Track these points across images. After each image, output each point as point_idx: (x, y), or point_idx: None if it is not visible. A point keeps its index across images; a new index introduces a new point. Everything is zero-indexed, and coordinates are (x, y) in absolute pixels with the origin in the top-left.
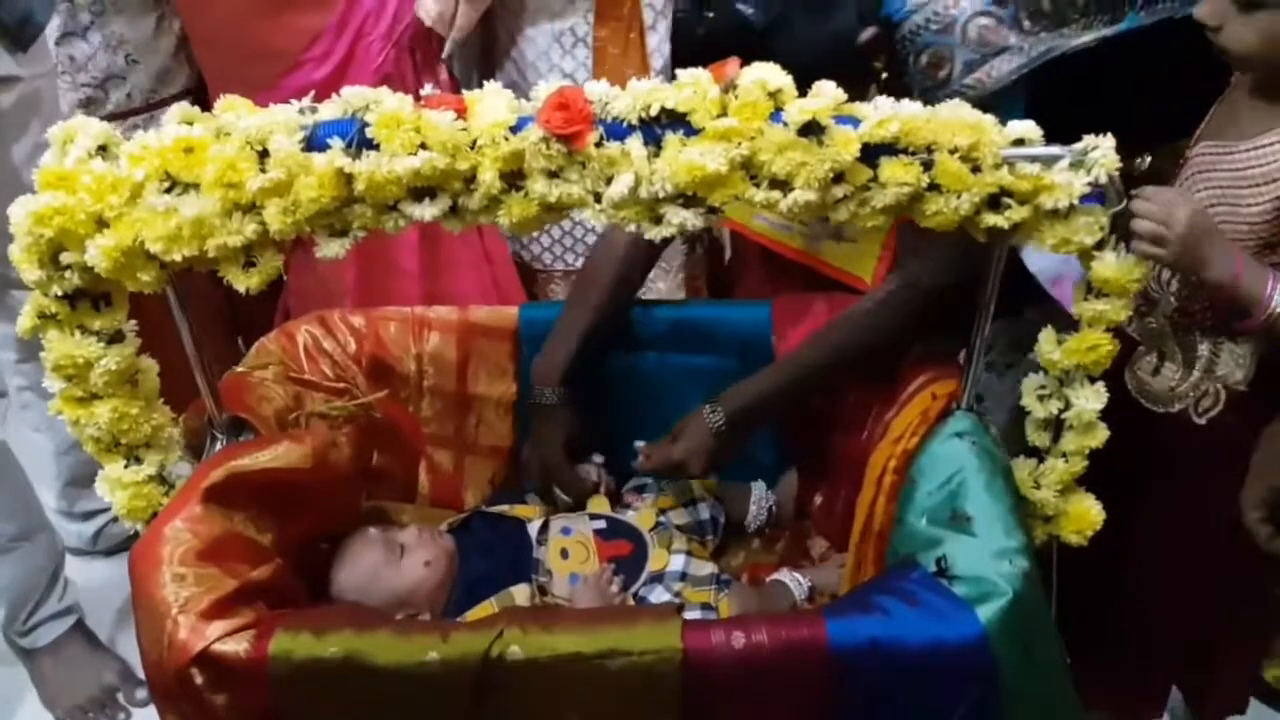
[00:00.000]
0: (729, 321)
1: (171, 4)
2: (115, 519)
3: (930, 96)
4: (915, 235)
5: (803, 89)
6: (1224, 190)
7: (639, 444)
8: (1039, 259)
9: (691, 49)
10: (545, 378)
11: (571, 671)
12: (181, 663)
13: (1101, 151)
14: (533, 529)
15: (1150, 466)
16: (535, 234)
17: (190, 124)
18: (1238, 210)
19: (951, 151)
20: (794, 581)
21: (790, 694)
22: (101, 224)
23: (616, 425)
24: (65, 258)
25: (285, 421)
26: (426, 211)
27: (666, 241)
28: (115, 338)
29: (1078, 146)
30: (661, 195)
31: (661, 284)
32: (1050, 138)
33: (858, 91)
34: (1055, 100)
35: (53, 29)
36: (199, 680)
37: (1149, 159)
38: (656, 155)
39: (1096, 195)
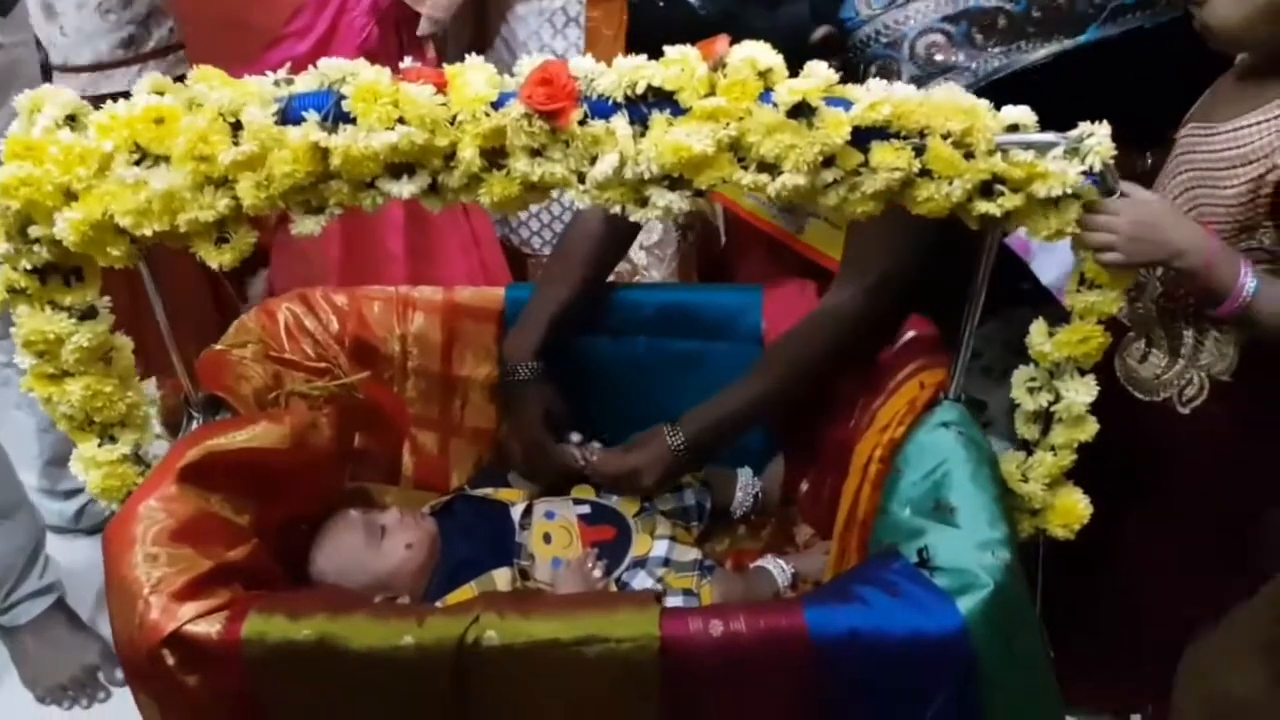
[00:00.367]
0: (719, 306)
1: None
2: None
3: None
4: (858, 244)
5: None
6: (1204, 172)
7: (595, 444)
8: (1051, 271)
9: (645, 38)
10: (517, 354)
11: (548, 658)
12: (153, 643)
13: (1097, 139)
14: (516, 513)
15: (1137, 459)
16: (525, 218)
17: (161, 94)
18: (1216, 192)
19: (944, 136)
20: (778, 568)
21: (769, 683)
22: (70, 196)
23: (606, 410)
24: (34, 231)
25: (264, 401)
26: (405, 189)
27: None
28: (88, 314)
29: (1073, 134)
30: (647, 176)
31: (655, 272)
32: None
33: None
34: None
35: None
36: (170, 661)
37: (1150, 159)
38: (642, 135)
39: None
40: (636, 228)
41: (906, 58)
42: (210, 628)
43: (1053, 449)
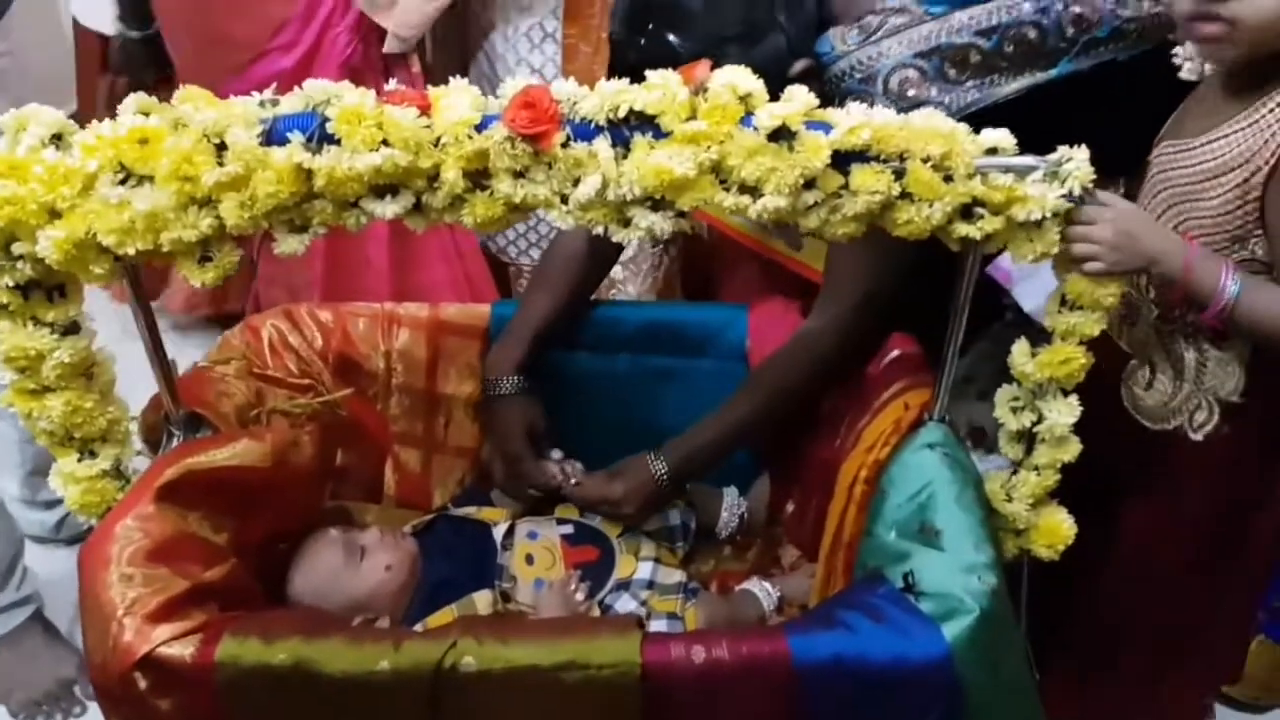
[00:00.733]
0: (702, 323)
1: None
2: None
3: None
4: (838, 266)
5: None
6: (1185, 188)
7: (577, 465)
8: (1033, 299)
9: (625, 75)
10: (498, 368)
11: (527, 684)
12: (125, 666)
13: (1076, 163)
14: (498, 533)
15: (1142, 479)
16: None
17: (147, 114)
18: (1200, 205)
19: (924, 160)
20: (763, 591)
21: (751, 710)
22: (54, 214)
23: (589, 426)
24: (17, 248)
25: (246, 418)
26: (388, 209)
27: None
28: (70, 330)
29: (1052, 157)
30: (629, 198)
31: (631, 287)
32: None
33: None
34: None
35: None
36: (143, 684)
37: (1122, 188)
38: (624, 157)
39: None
40: (620, 245)
41: (880, 93)
42: (184, 650)
43: (1036, 469)
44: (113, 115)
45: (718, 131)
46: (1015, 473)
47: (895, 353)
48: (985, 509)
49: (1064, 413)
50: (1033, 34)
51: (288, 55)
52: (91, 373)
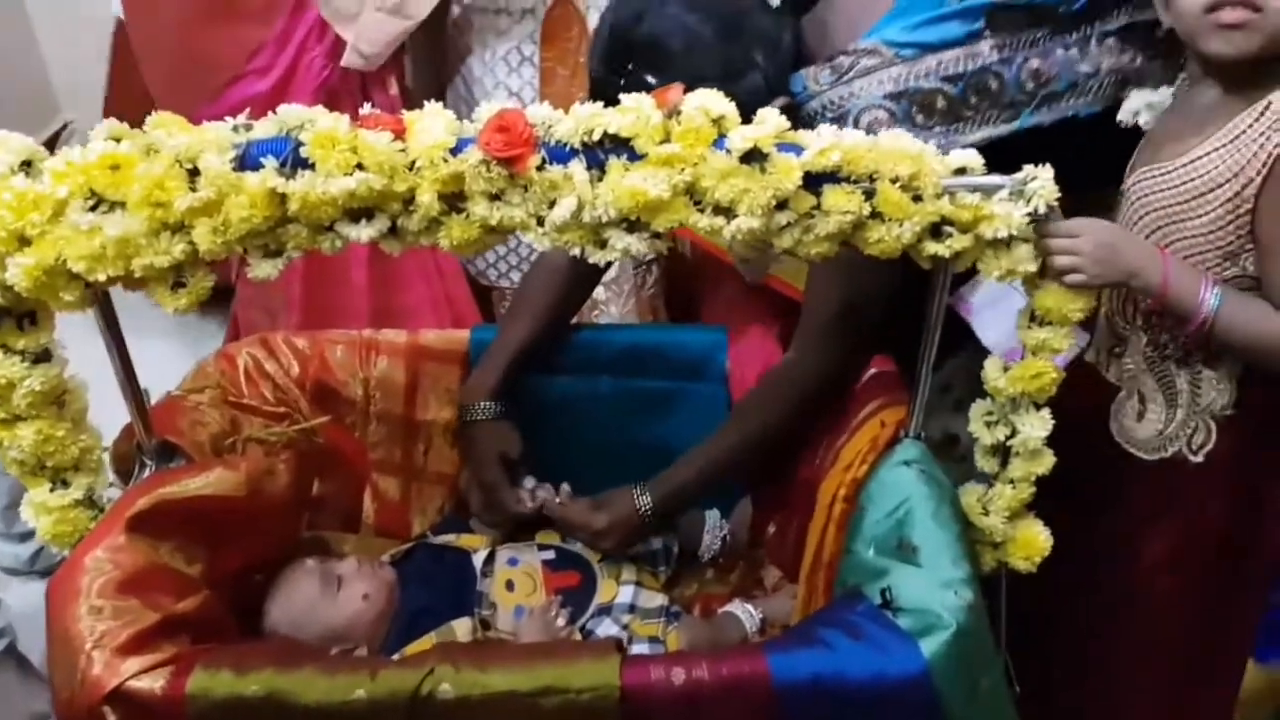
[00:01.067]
0: (683, 346)
1: None
2: None
3: None
4: (816, 302)
5: None
6: (1169, 209)
7: (565, 487)
8: (992, 332)
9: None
10: (474, 393)
11: (505, 710)
12: (94, 700)
13: (1040, 182)
14: (478, 560)
15: (1138, 506)
16: None
17: (118, 140)
18: (1189, 225)
19: (893, 180)
20: (745, 613)
21: None
22: (23, 241)
23: (570, 450)
24: None
25: (221, 447)
26: (363, 233)
27: (609, 262)
28: (41, 357)
29: (1018, 176)
30: (605, 219)
31: (614, 308)
32: None
33: None
34: None
35: None
36: (112, 719)
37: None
38: (600, 179)
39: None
40: (600, 269)
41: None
42: (154, 683)
43: (1011, 482)
44: None
45: (691, 154)
46: (991, 486)
47: (872, 371)
48: (962, 524)
49: (1037, 426)
50: (994, 84)
51: (264, 79)
52: (63, 401)
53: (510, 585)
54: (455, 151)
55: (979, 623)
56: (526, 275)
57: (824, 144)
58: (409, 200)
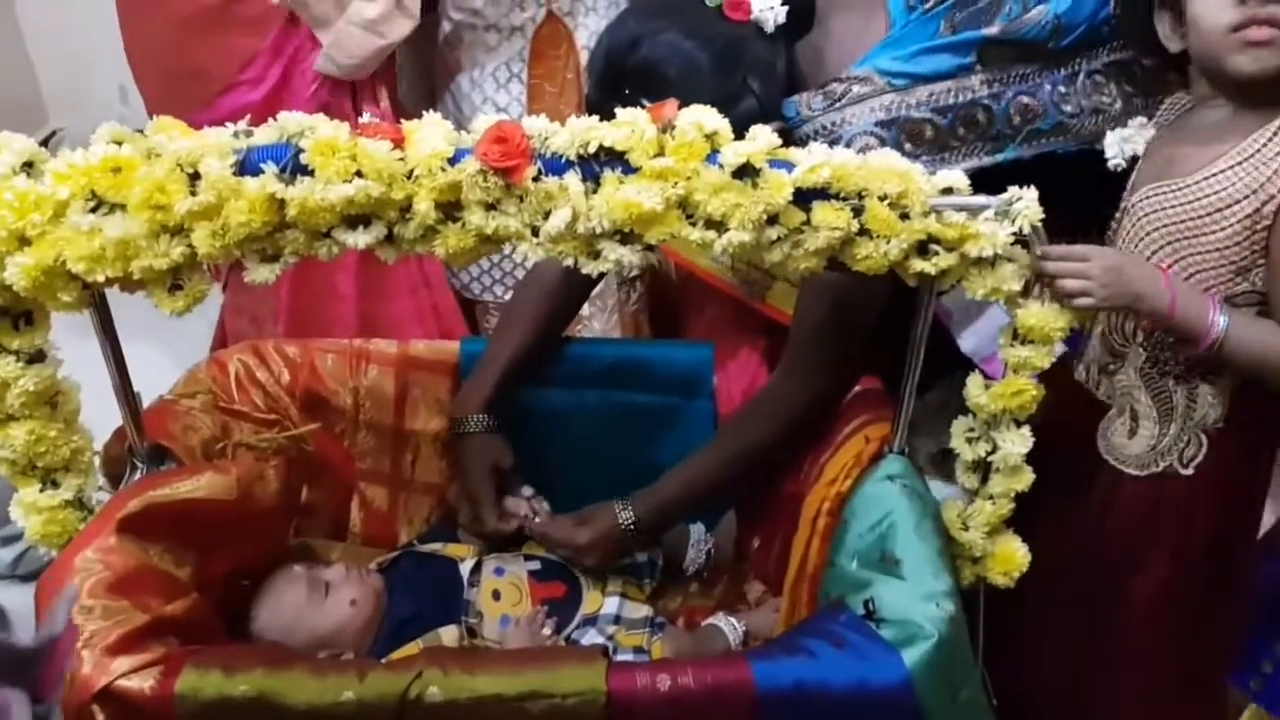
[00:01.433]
0: (671, 361)
1: None
2: None
3: None
4: (805, 329)
5: None
6: (1180, 225)
7: (544, 505)
8: (970, 339)
9: None
10: (466, 406)
11: (492, 714)
12: (83, 699)
13: (1025, 203)
14: (465, 569)
15: (1126, 515)
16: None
17: (120, 144)
18: (1202, 240)
19: (881, 198)
20: (729, 626)
21: None
22: (23, 241)
23: (559, 464)
24: None
25: (211, 452)
26: (360, 239)
27: (600, 275)
28: (35, 357)
29: (1003, 197)
30: (598, 231)
31: (597, 323)
32: None
33: None
34: None
35: None
36: (101, 718)
37: None
38: (594, 191)
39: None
40: (592, 282)
41: None
42: (143, 683)
43: (992, 498)
44: None
45: (684, 168)
46: (971, 502)
47: (857, 389)
48: (943, 538)
49: (1017, 443)
50: (982, 116)
51: (256, 89)
52: (56, 401)
53: (496, 595)
54: (453, 161)
55: (960, 634)
56: (517, 289)
57: (814, 161)
58: (406, 208)
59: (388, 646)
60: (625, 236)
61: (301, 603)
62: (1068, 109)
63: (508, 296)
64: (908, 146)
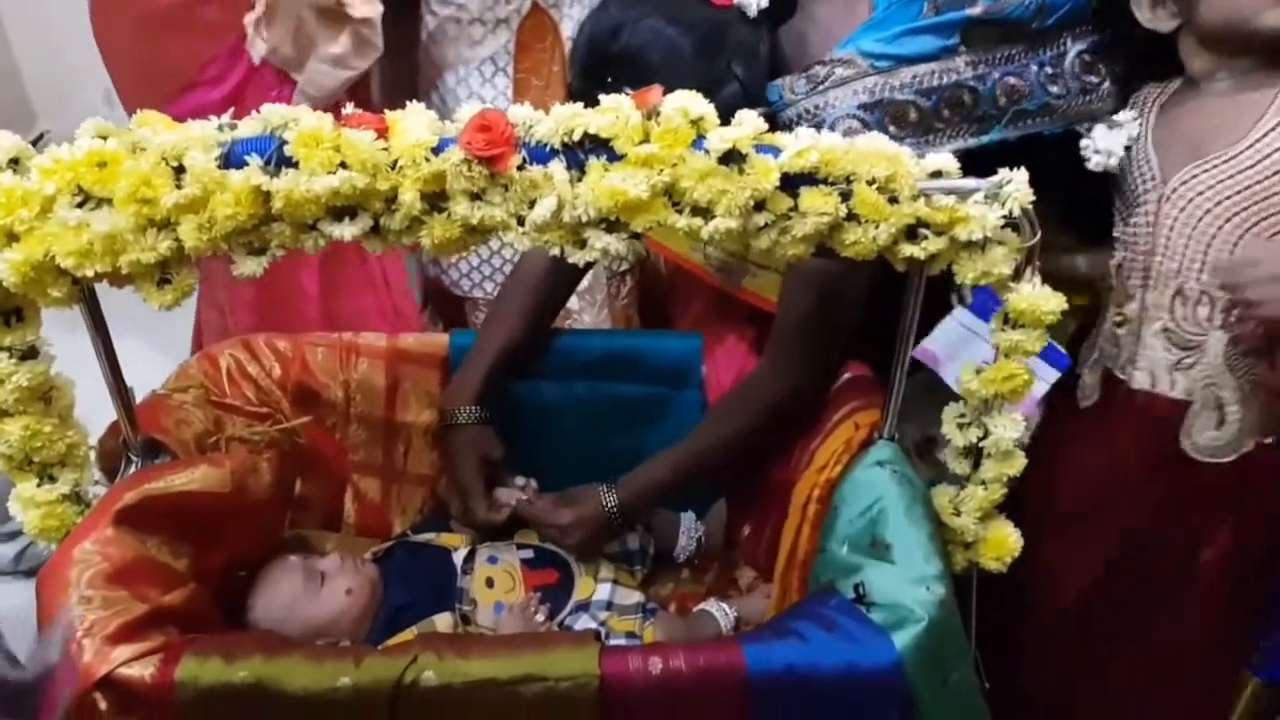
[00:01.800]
0: (660, 351)
1: None
2: None
3: None
4: (787, 319)
5: None
6: (1241, 195)
7: (531, 482)
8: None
9: None
10: (455, 398)
11: (486, 698)
12: (85, 687)
13: (1015, 185)
14: (458, 557)
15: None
16: (455, 259)
17: (105, 138)
18: (1272, 202)
19: (870, 182)
20: (720, 612)
21: (708, 719)
22: (11, 237)
23: (549, 455)
24: None
25: (205, 445)
26: (346, 231)
27: (587, 266)
28: (28, 354)
29: (993, 179)
30: (584, 219)
31: (587, 317)
32: None
33: None
34: None
35: None
36: (103, 706)
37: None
38: (579, 179)
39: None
40: (579, 274)
41: None
42: (144, 671)
43: (983, 484)
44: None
45: (670, 154)
46: (963, 488)
47: (846, 375)
48: (934, 523)
49: (1009, 428)
50: (967, 97)
51: (216, 88)
52: (49, 397)
53: (490, 582)
54: (437, 151)
55: (950, 617)
56: (504, 282)
57: (801, 145)
58: (391, 199)
59: (383, 635)
60: (611, 225)
61: (298, 592)
62: (1054, 90)
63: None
64: (891, 129)
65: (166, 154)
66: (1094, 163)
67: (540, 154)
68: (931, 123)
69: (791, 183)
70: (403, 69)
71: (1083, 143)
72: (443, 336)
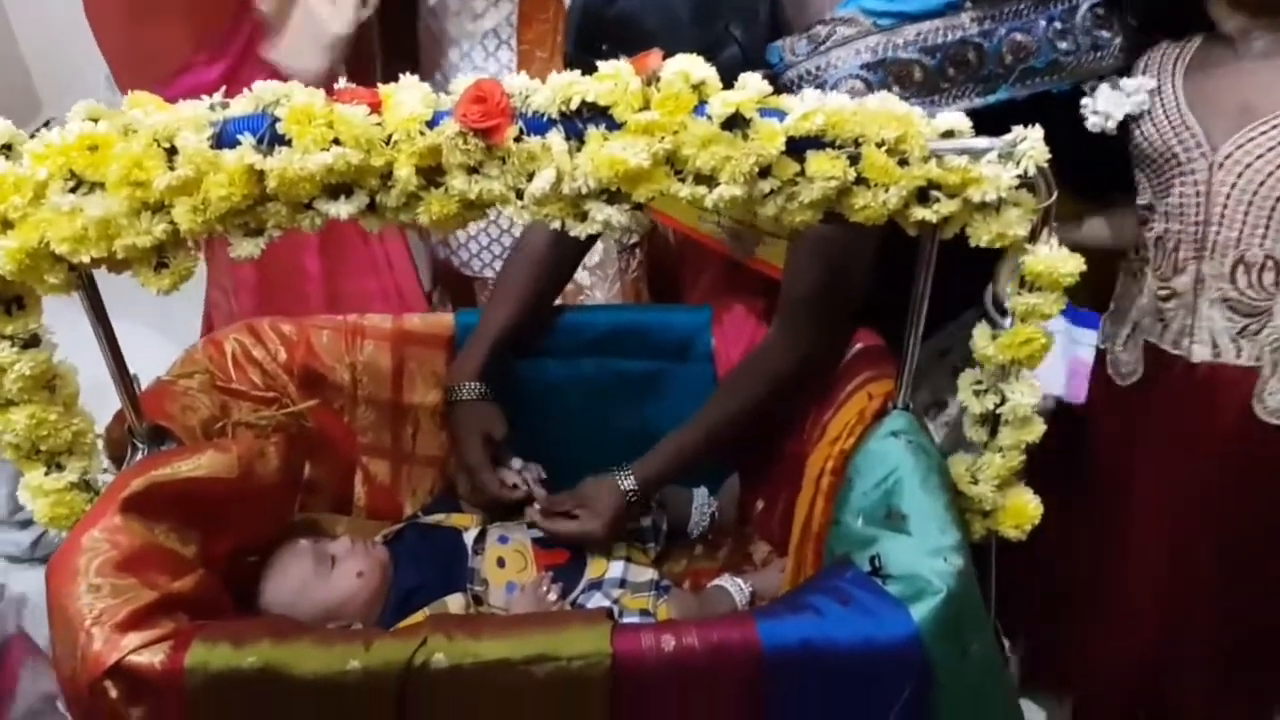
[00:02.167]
0: (668, 326)
1: None
2: None
3: None
4: (793, 288)
5: None
6: None
7: (539, 470)
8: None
9: None
10: (459, 374)
11: (498, 679)
12: (95, 675)
13: (1030, 143)
14: (469, 538)
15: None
16: (465, 239)
17: (96, 120)
18: None
19: (879, 144)
20: (735, 587)
21: (722, 697)
22: (6, 225)
23: (557, 433)
24: None
25: (211, 431)
26: (343, 209)
27: (590, 240)
28: (30, 342)
29: (1007, 138)
30: (584, 191)
31: (598, 292)
32: None
33: None
34: None
35: None
36: (114, 694)
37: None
38: (578, 150)
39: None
40: (583, 248)
41: None
42: (153, 658)
43: (1001, 450)
44: None
45: (671, 121)
46: (981, 455)
47: (858, 346)
48: (950, 493)
49: (1026, 394)
50: (973, 55)
51: (211, 68)
52: (53, 385)
53: (501, 562)
54: (432, 124)
55: (969, 588)
56: (507, 259)
57: (807, 108)
58: (387, 175)
59: (395, 617)
60: (612, 196)
61: (308, 576)
62: (1064, 46)
63: None
64: (896, 89)
65: (158, 135)
66: (1091, 123)
67: (537, 124)
68: (937, 82)
69: (797, 147)
70: (408, 51)
71: (1083, 101)
72: (448, 316)
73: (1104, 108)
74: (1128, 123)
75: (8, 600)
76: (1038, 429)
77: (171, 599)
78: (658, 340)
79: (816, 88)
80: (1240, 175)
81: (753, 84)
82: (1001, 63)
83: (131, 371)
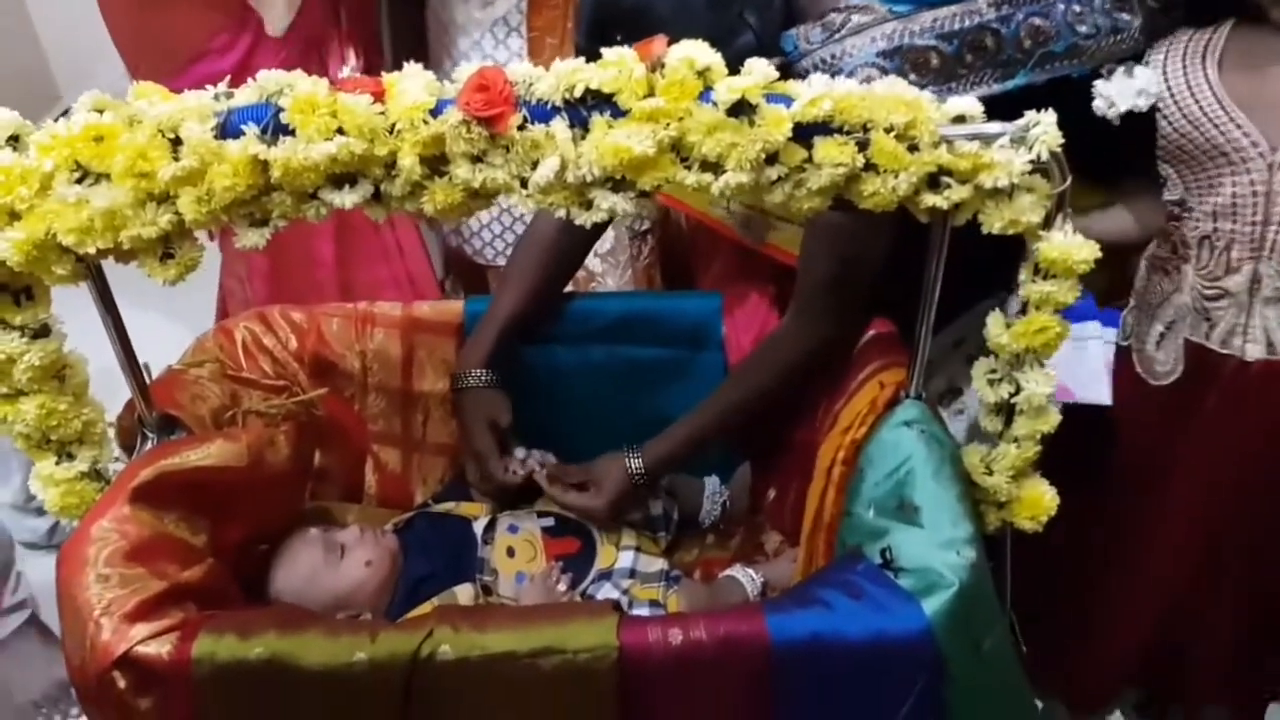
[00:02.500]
0: (679, 312)
1: None
2: None
3: None
4: (807, 276)
5: None
6: None
7: (549, 456)
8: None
9: None
10: (466, 362)
11: (504, 671)
12: (103, 666)
13: (1043, 128)
14: (479, 527)
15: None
16: (478, 228)
17: (101, 111)
18: None
19: (888, 130)
20: (746, 577)
21: (730, 690)
22: (13, 216)
23: (567, 420)
24: None
25: (221, 420)
26: (347, 199)
27: (600, 227)
28: (40, 332)
29: (1019, 123)
30: (589, 179)
31: (610, 280)
32: None
33: None
34: None
35: None
36: (121, 684)
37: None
38: (583, 138)
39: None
40: (593, 235)
41: None
42: (161, 648)
43: (1016, 440)
44: None
45: (676, 108)
46: (995, 445)
47: (870, 334)
48: (964, 484)
49: (1041, 383)
50: (991, 41)
51: (225, 57)
52: (63, 375)
53: (511, 552)
54: (435, 113)
55: (982, 582)
56: (517, 246)
57: (815, 93)
58: (391, 165)
59: (404, 606)
60: (617, 184)
61: (318, 564)
62: (1083, 29)
63: None
64: (912, 77)
65: (163, 126)
66: (1096, 105)
67: (541, 112)
68: (954, 69)
69: (805, 133)
70: (417, 42)
71: (1096, 83)
72: (458, 304)
73: (1108, 93)
74: (1152, 113)
75: (23, 586)
76: (1053, 418)
77: (180, 589)
78: (668, 327)
79: (832, 76)
80: None
81: (758, 69)
82: (1020, 48)
83: (145, 359)
